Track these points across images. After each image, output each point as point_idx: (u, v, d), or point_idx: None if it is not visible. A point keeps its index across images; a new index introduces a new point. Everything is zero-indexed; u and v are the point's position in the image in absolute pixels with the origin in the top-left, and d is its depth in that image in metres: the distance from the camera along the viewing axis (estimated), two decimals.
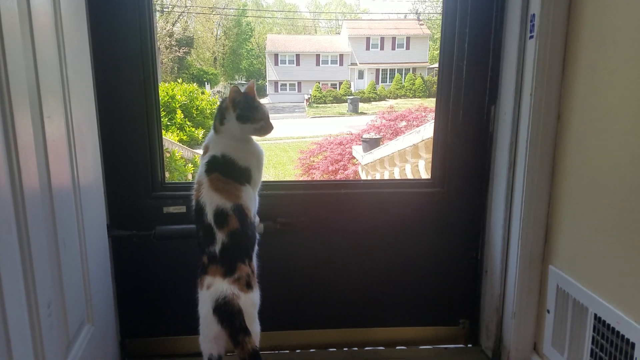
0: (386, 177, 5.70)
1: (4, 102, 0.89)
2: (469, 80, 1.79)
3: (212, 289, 1.30)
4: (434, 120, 1.92)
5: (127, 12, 1.64)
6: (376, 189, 1.96)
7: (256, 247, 1.45)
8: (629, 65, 1.24)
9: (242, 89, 1.46)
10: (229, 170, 1.42)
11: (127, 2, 1.64)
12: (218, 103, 1.54)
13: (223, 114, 1.44)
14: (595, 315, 1.36)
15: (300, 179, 9.03)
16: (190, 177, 6.89)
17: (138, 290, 1.85)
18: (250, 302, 1.33)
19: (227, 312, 1.27)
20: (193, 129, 7.69)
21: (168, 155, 5.65)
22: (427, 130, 4.18)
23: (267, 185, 1.77)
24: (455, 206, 1.90)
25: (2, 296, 0.84)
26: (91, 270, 1.39)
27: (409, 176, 5.04)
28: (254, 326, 1.34)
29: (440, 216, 1.90)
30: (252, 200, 1.46)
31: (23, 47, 0.99)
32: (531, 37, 1.57)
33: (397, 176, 5.30)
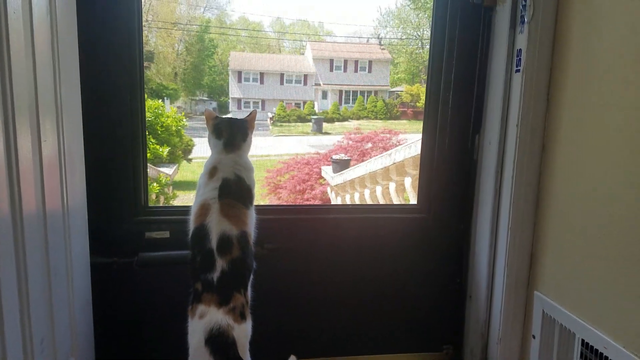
0: (356, 198, 5.74)
1: (8, 126, 0.84)
2: (454, 109, 1.84)
3: (206, 318, 1.27)
4: (420, 147, 1.96)
5: (116, 32, 1.61)
6: (363, 214, 1.97)
7: (251, 277, 1.43)
8: (612, 101, 1.31)
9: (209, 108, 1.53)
10: (239, 193, 1.44)
11: (118, 20, 1.60)
12: (223, 123, 1.55)
13: (247, 131, 1.55)
14: (583, 340, 1.40)
15: (281, 203, 8.92)
16: (154, 196, 6.67)
17: (116, 320, 1.76)
18: (243, 333, 1.31)
19: (221, 344, 1.24)
20: (157, 147, 7.50)
21: None
22: (398, 154, 4.26)
23: (255, 209, 1.74)
24: (439, 231, 1.93)
25: (3, 334, 0.78)
26: (76, 302, 1.32)
27: (379, 198, 5.10)
28: (245, 358, 1.31)
29: (424, 241, 1.93)
30: (253, 225, 1.49)
31: (26, 69, 0.95)
32: (517, 70, 1.63)
33: (367, 198, 5.35)
